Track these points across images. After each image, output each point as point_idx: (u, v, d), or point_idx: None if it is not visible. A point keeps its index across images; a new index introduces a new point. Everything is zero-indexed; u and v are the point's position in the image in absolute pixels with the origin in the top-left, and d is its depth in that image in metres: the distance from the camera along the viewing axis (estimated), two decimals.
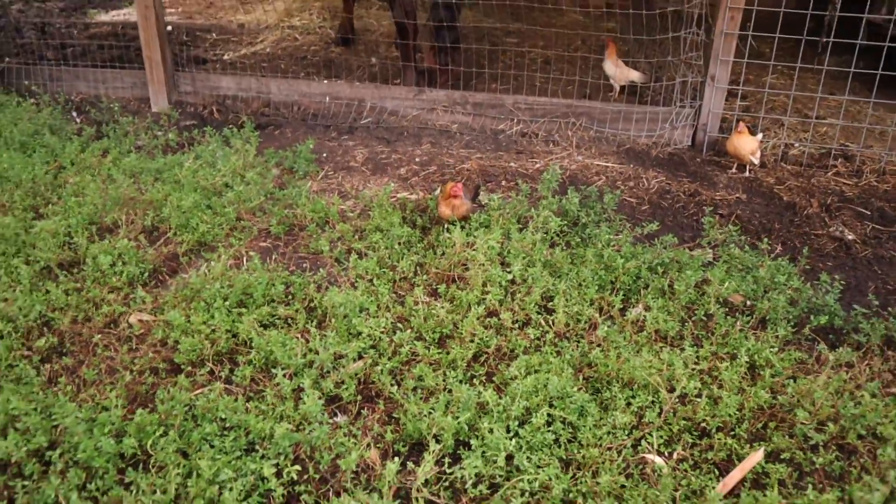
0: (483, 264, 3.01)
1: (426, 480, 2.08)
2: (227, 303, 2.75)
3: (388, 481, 2.02)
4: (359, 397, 2.41)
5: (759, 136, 4.06)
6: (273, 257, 3.21)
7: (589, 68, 5.16)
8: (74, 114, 4.86)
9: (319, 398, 2.29)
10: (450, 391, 2.40)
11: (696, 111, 4.38)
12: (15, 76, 5.34)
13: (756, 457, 2.24)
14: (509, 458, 2.15)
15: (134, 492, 2.01)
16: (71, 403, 2.21)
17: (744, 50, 4.26)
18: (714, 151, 4.37)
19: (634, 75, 4.85)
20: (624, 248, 3.17)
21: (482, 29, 6.35)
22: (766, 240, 3.32)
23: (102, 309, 2.79)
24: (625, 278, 2.99)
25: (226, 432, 2.21)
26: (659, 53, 4.85)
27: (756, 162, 4.04)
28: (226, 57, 6.44)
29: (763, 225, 3.60)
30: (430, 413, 2.28)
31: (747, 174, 4.11)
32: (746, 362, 2.55)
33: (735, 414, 2.35)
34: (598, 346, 2.65)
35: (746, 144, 3.99)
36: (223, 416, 2.25)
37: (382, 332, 2.62)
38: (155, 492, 2.01)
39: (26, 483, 2.05)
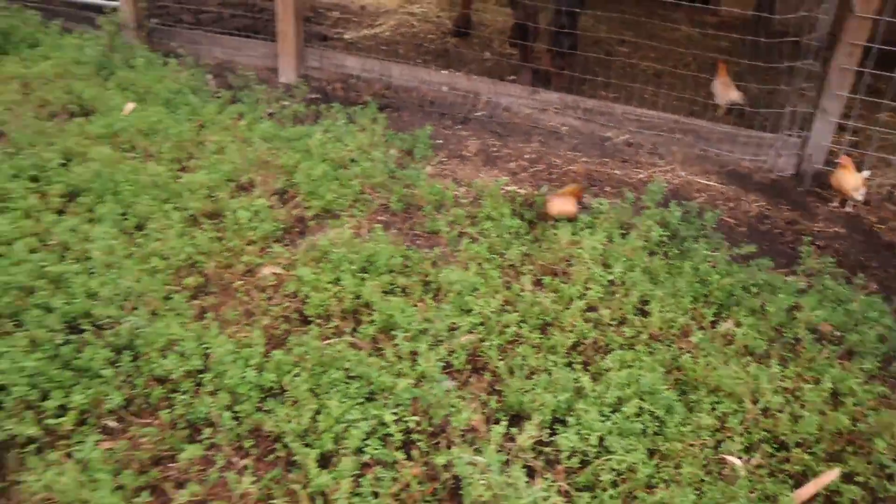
0: (586, 262, 3.22)
1: (525, 447, 2.32)
2: (352, 266, 3.03)
3: (494, 442, 2.26)
4: (468, 367, 2.66)
5: (866, 173, 4.13)
6: (391, 231, 3.48)
7: (698, 86, 5.28)
8: (209, 76, 5.23)
9: (438, 360, 2.55)
10: (549, 373, 2.63)
11: (803, 141, 4.47)
12: (159, 36, 5.76)
13: (832, 475, 2.39)
14: (601, 439, 2.36)
15: (272, 419, 2.31)
16: (221, 336, 2.53)
17: (858, 85, 4.32)
18: (817, 183, 4.45)
19: (735, 95, 5.00)
20: (720, 265, 3.34)
21: (595, 37, 6.52)
22: (861, 276, 3.43)
23: (242, 258, 3.11)
24: (718, 293, 3.16)
25: (349, 380, 2.49)
26: (771, 80, 4.93)
27: (859, 198, 4.11)
28: (346, 36, 6.77)
29: (860, 261, 3.70)
30: (531, 389, 2.52)
31: (849, 209, 4.19)
32: (830, 388, 2.69)
33: (814, 433, 2.50)
34: (689, 352, 2.83)
35: (851, 180, 4.07)
36: (347, 366, 2.53)
37: (492, 312, 2.86)
38: (290, 421, 2.30)
39: (183, 397, 2.37)
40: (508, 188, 4.00)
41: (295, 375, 2.47)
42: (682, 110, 5.23)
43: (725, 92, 5.06)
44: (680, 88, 5.28)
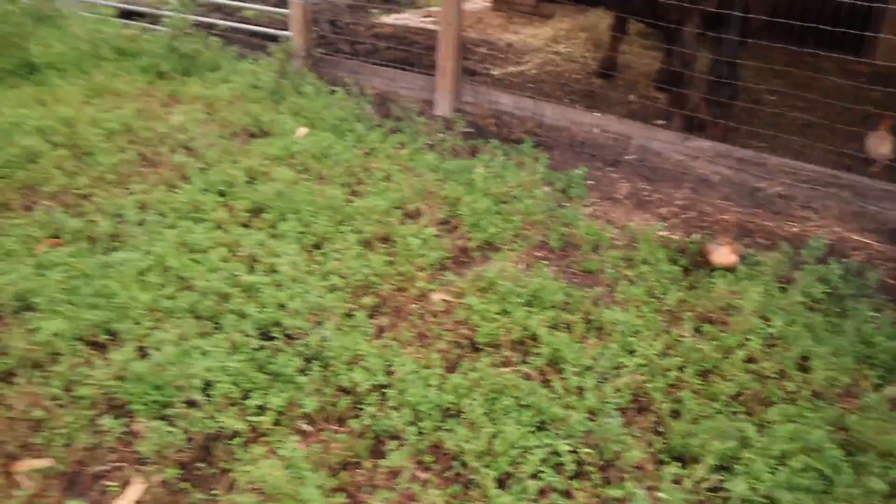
0: (745, 313, 3.25)
1: (695, 489, 2.38)
2: (519, 299, 3.18)
3: (665, 480, 2.34)
4: (633, 405, 2.74)
5: None
6: (550, 268, 3.61)
7: (850, 139, 5.19)
8: (369, 106, 5.53)
9: (605, 402, 2.65)
10: (713, 419, 2.68)
11: None
12: (323, 65, 6.14)
13: None
14: (769, 491, 2.40)
15: (453, 438, 2.47)
16: (403, 355, 2.72)
17: None
18: None
19: (888, 150, 4.92)
20: (884, 326, 3.29)
21: (743, 85, 6.48)
22: None
23: (415, 283, 3.31)
24: (883, 356, 3.12)
25: (521, 408, 2.62)
26: None
27: None
28: (494, 72, 7.01)
29: None
30: (696, 433, 2.58)
31: None
32: None
33: None
34: (853, 413, 2.81)
35: None
36: (518, 395, 2.67)
37: (654, 354, 2.94)
38: (469, 442, 2.45)
39: (370, 409, 2.56)
40: (662, 234, 4.06)
41: (472, 399, 2.62)
42: (833, 163, 5.15)
43: (880, 146, 4.97)
44: (830, 141, 5.21)
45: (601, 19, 8.05)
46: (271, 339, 2.92)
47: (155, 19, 7.60)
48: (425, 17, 9.06)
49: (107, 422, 2.53)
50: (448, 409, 2.61)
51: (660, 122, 5.65)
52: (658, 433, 2.66)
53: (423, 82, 5.86)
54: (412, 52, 7.09)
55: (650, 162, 5.01)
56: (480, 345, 2.98)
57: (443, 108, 5.62)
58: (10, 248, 3.48)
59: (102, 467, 2.45)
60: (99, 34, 6.45)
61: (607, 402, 2.67)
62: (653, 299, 3.37)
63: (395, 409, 2.59)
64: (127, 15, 7.97)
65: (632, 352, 2.96)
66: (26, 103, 5.24)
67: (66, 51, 6.22)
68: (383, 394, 2.66)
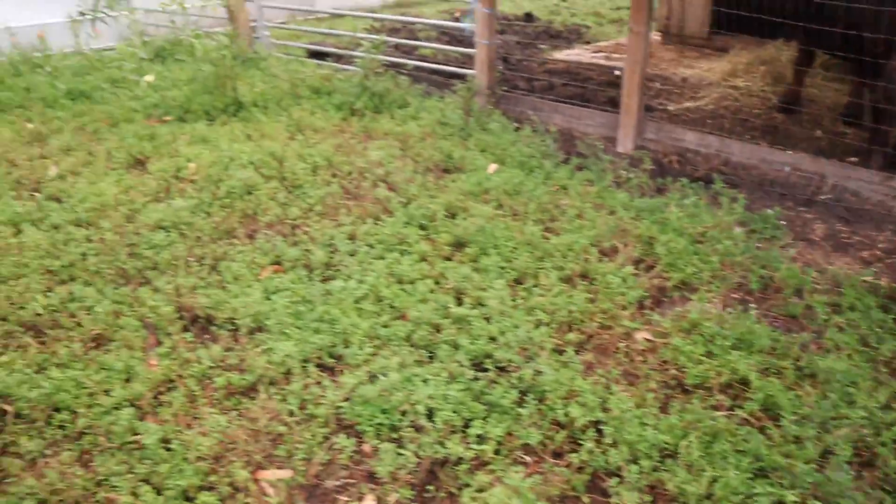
0: None
1: None
2: (725, 342, 3.17)
3: None
4: (855, 458, 2.67)
5: None
6: (749, 310, 3.56)
7: None
8: (553, 142, 5.66)
9: (827, 453, 2.59)
10: None
11: None
12: (505, 102, 6.35)
13: None
14: None
15: (673, 479, 2.50)
16: (617, 393, 2.78)
17: None
18: None
19: None
20: None
21: None
22: None
23: (619, 322, 3.37)
24: None
25: (738, 453, 2.62)
26: None
27: None
28: (670, 108, 6.97)
29: None
30: None
31: None
32: None
33: None
34: None
35: None
36: (733, 440, 2.66)
37: (876, 407, 2.85)
38: (689, 484, 2.47)
39: (587, 444, 2.64)
40: (866, 279, 3.91)
41: (688, 441, 2.64)
42: None
43: None
44: None
45: (781, 52, 7.83)
46: (484, 370, 3.07)
47: (340, 58, 8.13)
48: (595, 52, 9.13)
49: (340, 440, 2.74)
50: (665, 449, 2.65)
51: (853, 159, 5.43)
52: (888, 491, 2.57)
53: (603, 119, 5.93)
54: (587, 89, 7.19)
55: (847, 202, 4.83)
56: (689, 386, 3.00)
57: (625, 144, 5.66)
58: (238, 273, 3.83)
59: (337, 483, 2.66)
60: (296, 74, 6.97)
61: (831, 454, 2.61)
62: (866, 348, 3.25)
63: (612, 445, 2.65)
64: (315, 55, 8.57)
65: (851, 403, 2.88)
66: (238, 138, 5.75)
67: (268, 90, 6.77)
68: (599, 430, 2.73)
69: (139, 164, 5.45)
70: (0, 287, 3.77)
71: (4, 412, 2.95)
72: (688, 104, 7.09)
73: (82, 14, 7.96)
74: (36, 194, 4.93)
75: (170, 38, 8.54)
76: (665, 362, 3.14)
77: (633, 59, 5.48)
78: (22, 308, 3.59)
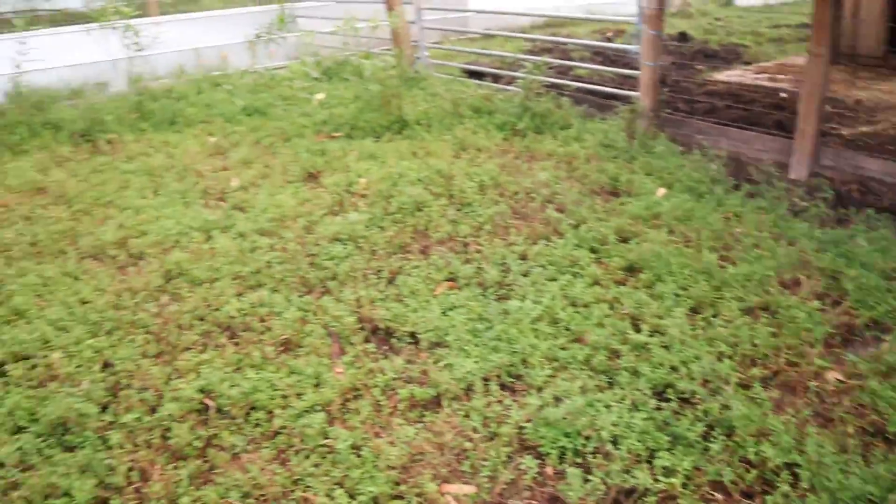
0: None
1: None
2: None
3: None
4: None
5: None
6: None
7: None
8: (719, 167, 5.50)
9: None
10: None
11: None
12: (667, 125, 6.24)
13: None
14: None
15: None
16: (815, 434, 2.67)
17: None
18: None
19: None
20: None
21: None
22: None
23: (807, 358, 3.23)
24: None
25: None
26: None
27: None
28: (843, 132, 6.62)
29: None
30: None
31: None
32: None
33: None
34: None
35: None
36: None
37: None
38: None
39: (783, 487, 2.55)
40: None
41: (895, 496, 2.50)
42: None
43: None
44: None
45: None
46: (667, 400, 3.02)
47: (497, 78, 8.25)
48: (758, 73, 8.83)
49: (526, 461, 2.78)
50: (871, 500, 2.52)
51: None
52: None
53: (775, 144, 5.72)
54: (753, 112, 6.95)
55: None
56: (891, 435, 2.83)
57: (798, 171, 5.44)
58: (414, 287, 3.96)
59: (521, 503, 2.69)
60: (457, 94, 7.13)
61: None
62: None
63: (809, 490, 2.55)
64: (472, 74, 8.74)
65: None
66: (404, 156, 5.95)
67: (430, 109, 6.96)
68: (794, 473, 2.63)
69: (312, 177, 5.74)
70: (197, 289, 4.07)
71: (207, 407, 3.18)
72: (864, 128, 6.72)
73: (258, 36, 8.48)
74: (222, 203, 5.29)
75: (338, 58, 8.95)
76: (862, 406, 2.98)
77: (811, 83, 5.25)
78: (217, 310, 3.86)
